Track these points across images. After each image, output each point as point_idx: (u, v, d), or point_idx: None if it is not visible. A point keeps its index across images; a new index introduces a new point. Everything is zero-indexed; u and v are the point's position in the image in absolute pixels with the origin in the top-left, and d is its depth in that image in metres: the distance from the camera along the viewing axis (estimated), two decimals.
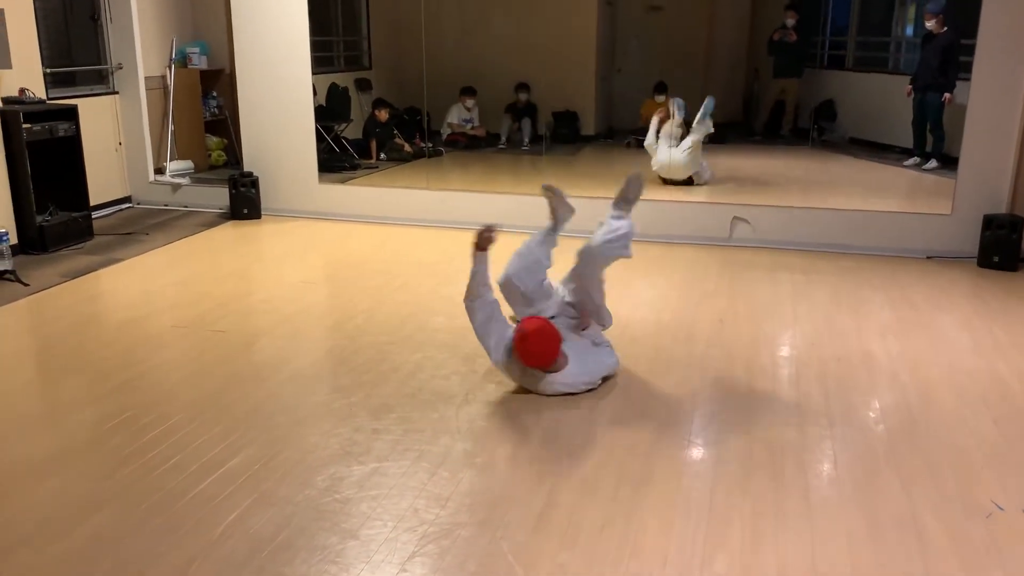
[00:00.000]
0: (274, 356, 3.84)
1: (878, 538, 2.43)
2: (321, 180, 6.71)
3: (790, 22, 9.52)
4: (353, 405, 3.28)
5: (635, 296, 4.67)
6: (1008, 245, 5.19)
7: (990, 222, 5.25)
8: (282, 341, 4.02)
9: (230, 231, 6.28)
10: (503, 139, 9.54)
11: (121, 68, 6.81)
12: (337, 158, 8.00)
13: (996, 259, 5.21)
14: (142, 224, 6.43)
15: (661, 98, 9.52)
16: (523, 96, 9.58)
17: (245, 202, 6.57)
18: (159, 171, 7.18)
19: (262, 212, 6.65)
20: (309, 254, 5.74)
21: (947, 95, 7.54)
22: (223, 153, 7.88)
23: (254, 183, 6.58)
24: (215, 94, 7.89)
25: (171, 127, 7.35)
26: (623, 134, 9.87)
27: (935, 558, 2.34)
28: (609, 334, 3.74)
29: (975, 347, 3.95)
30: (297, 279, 5.06)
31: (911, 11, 9.34)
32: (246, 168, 6.71)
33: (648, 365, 3.69)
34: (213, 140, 7.87)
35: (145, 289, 4.88)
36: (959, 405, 3.33)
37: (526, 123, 9.51)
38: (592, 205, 6.19)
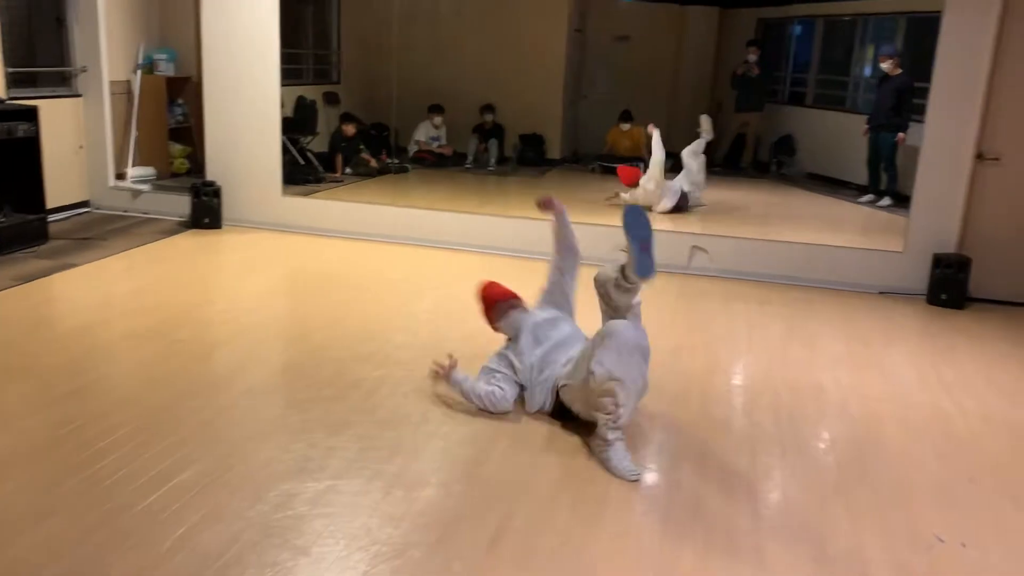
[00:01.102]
0: (231, 368, 3.80)
1: (825, 568, 2.48)
2: (285, 192, 6.67)
3: (752, 58, 9.75)
4: (310, 420, 3.26)
5: (595, 322, 4.71)
6: (955, 284, 5.35)
7: (939, 261, 5.41)
8: (240, 353, 3.98)
9: (190, 240, 6.22)
10: (469, 159, 9.60)
11: (86, 71, 6.73)
12: (302, 171, 7.97)
13: (944, 297, 5.37)
14: (100, 229, 6.33)
15: (626, 126, 9.68)
16: (489, 117, 9.65)
17: (206, 211, 6.50)
18: (120, 176, 7.09)
19: (223, 222, 6.59)
20: (270, 266, 5.70)
21: (900, 135, 7.77)
22: (186, 161, 7.80)
23: (216, 192, 6.53)
24: (181, 101, 7.82)
25: (134, 133, 7.27)
26: (589, 159, 10.00)
27: None
28: None
29: (922, 383, 4.06)
30: (256, 291, 5.02)
31: (869, 52, 9.62)
32: (209, 177, 6.65)
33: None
34: (177, 147, 7.79)
35: (100, 296, 4.81)
36: (905, 439, 3.42)
37: (493, 144, 9.58)
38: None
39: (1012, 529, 2.76)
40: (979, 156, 5.38)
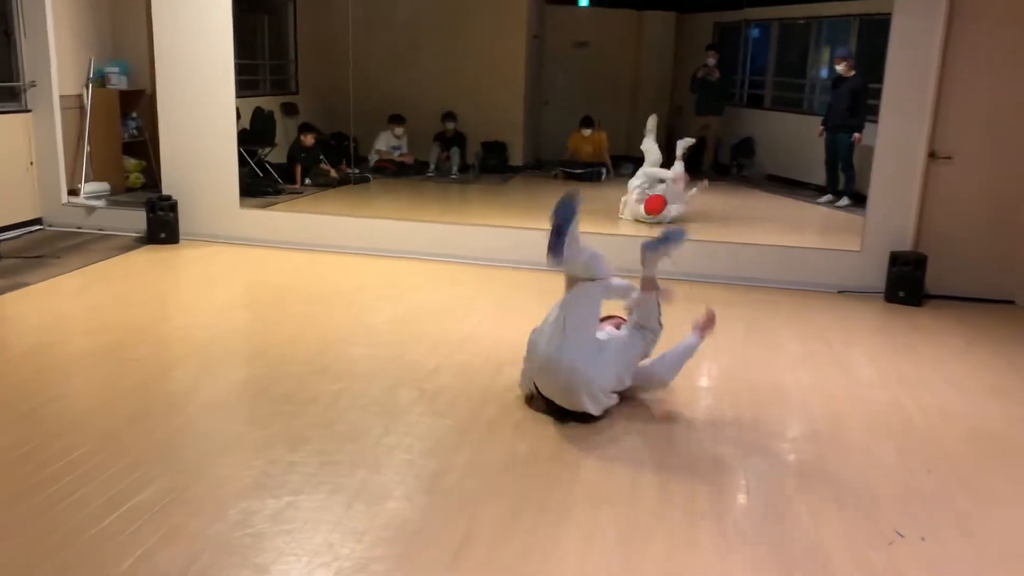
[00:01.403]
0: (189, 385, 3.74)
1: (787, 567, 2.49)
2: (243, 205, 6.60)
3: (711, 61, 9.83)
4: (269, 436, 3.22)
5: None
6: (912, 281, 5.43)
7: (896, 259, 5.49)
8: (197, 370, 3.92)
9: (147, 256, 6.12)
10: (431, 167, 9.57)
11: (35, 86, 6.60)
12: (260, 183, 7.89)
13: (902, 294, 5.45)
14: (53, 247, 6.21)
15: (588, 131, 9.71)
16: (451, 125, 9.64)
17: (163, 226, 6.41)
18: (73, 192, 6.96)
19: (180, 236, 6.50)
20: (229, 280, 5.63)
21: (856, 135, 7.89)
22: (141, 175, 7.69)
23: (173, 207, 6.43)
24: (135, 115, 7.71)
25: (87, 148, 7.14)
26: (551, 165, 10.01)
27: None
28: None
29: (881, 380, 4.11)
30: (214, 306, 4.95)
31: (824, 54, 9.76)
32: (165, 191, 6.55)
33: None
34: (131, 162, 7.67)
35: (54, 315, 4.71)
36: (865, 436, 3.45)
37: (455, 152, 9.55)
38: (521, 236, 6.27)
39: (969, 520, 2.80)
40: (931, 155, 5.48)
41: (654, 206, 7.30)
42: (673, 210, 7.30)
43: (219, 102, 6.38)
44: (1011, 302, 5.56)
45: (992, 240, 5.56)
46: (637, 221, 7.33)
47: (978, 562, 2.56)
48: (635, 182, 7.55)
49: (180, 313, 4.86)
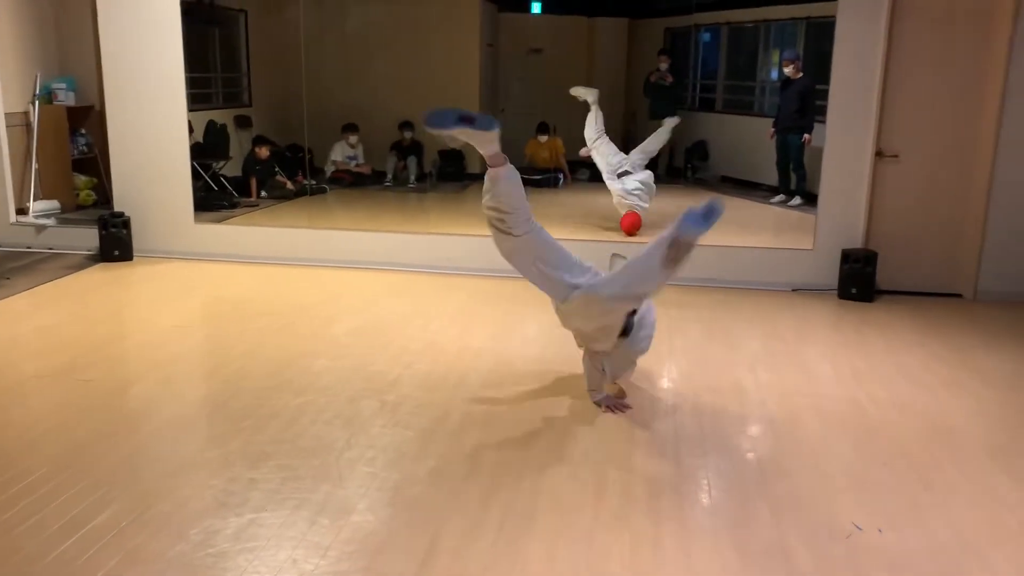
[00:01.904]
0: (146, 405, 3.69)
1: (749, 566, 2.53)
2: (198, 219, 6.52)
3: (663, 66, 9.95)
4: (229, 454, 3.18)
5: (521, 331, 4.73)
6: (864, 278, 5.55)
7: (847, 256, 5.60)
8: (155, 389, 3.86)
9: (100, 274, 6.01)
10: (388, 177, 9.54)
11: None
12: (215, 196, 7.80)
13: (854, 291, 5.56)
14: (2, 268, 6.07)
15: (544, 138, 9.77)
16: (408, 134, 9.62)
17: (116, 243, 6.30)
18: (21, 212, 6.82)
19: (134, 254, 6.40)
20: (185, 297, 5.56)
21: (806, 136, 8.04)
22: (92, 192, 7.56)
23: (125, 223, 6.33)
24: (84, 131, 7.58)
25: (35, 166, 7.00)
26: None
27: None
28: (503, 370, 3.77)
29: (836, 375, 4.19)
30: (171, 323, 4.88)
31: (774, 57, 9.93)
32: (117, 208, 6.45)
33: (532, 399, 3.74)
34: (82, 179, 7.54)
35: (5, 336, 4.61)
36: (822, 431, 3.52)
37: (411, 161, 9.54)
38: (481, 243, 6.28)
39: (926, 512, 2.86)
40: (879, 154, 5.61)
41: (632, 222, 7.07)
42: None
43: (170, 116, 6.30)
44: (959, 295, 5.71)
45: (939, 235, 5.70)
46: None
47: (934, 552, 2.62)
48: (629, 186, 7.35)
49: (136, 331, 4.79)
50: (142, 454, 3.20)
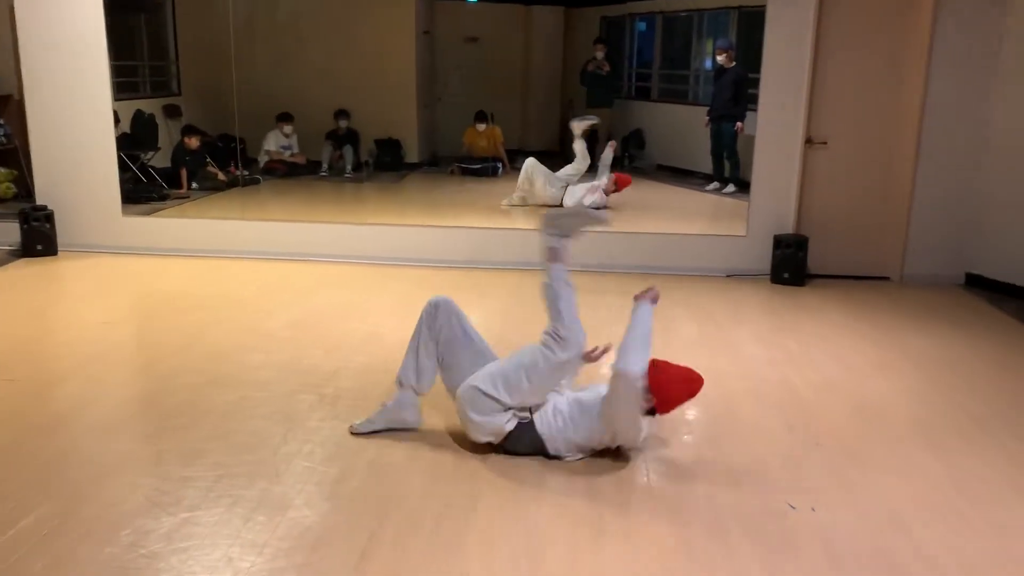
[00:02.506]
0: (73, 403, 3.56)
1: (689, 546, 2.56)
2: (125, 212, 6.33)
3: (599, 55, 9.99)
4: (161, 452, 3.10)
5: None
6: (795, 262, 5.67)
7: (779, 242, 5.72)
8: (83, 387, 3.74)
9: (22, 270, 5.79)
10: (324, 166, 9.40)
11: None
12: (143, 188, 7.59)
13: (786, 275, 5.68)
14: None
15: (482, 126, 9.73)
16: (343, 123, 9.49)
17: (39, 238, 6.08)
18: None
19: (59, 248, 6.18)
20: (114, 292, 5.39)
21: (739, 124, 8.16)
22: (12, 185, 7.27)
23: (48, 217, 6.11)
24: (2, 121, 7.28)
25: None
26: (447, 161, 9.99)
27: (738, 559, 2.50)
28: None
29: (769, 358, 4.27)
30: (99, 319, 4.73)
31: (708, 46, 10.05)
32: (39, 201, 6.21)
33: None
34: (1, 172, 7.25)
35: None
36: (757, 413, 3.59)
37: (347, 150, 9.41)
38: (419, 234, 6.24)
39: (856, 489, 2.94)
40: (808, 141, 5.73)
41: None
42: (588, 200, 7.38)
43: (95, 105, 6.09)
44: (887, 278, 5.88)
45: (866, 220, 5.86)
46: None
47: (865, 529, 2.70)
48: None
49: (62, 328, 4.63)
50: (70, 455, 3.09)
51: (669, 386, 2.97)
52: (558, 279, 3.08)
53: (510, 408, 3.04)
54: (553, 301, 3.07)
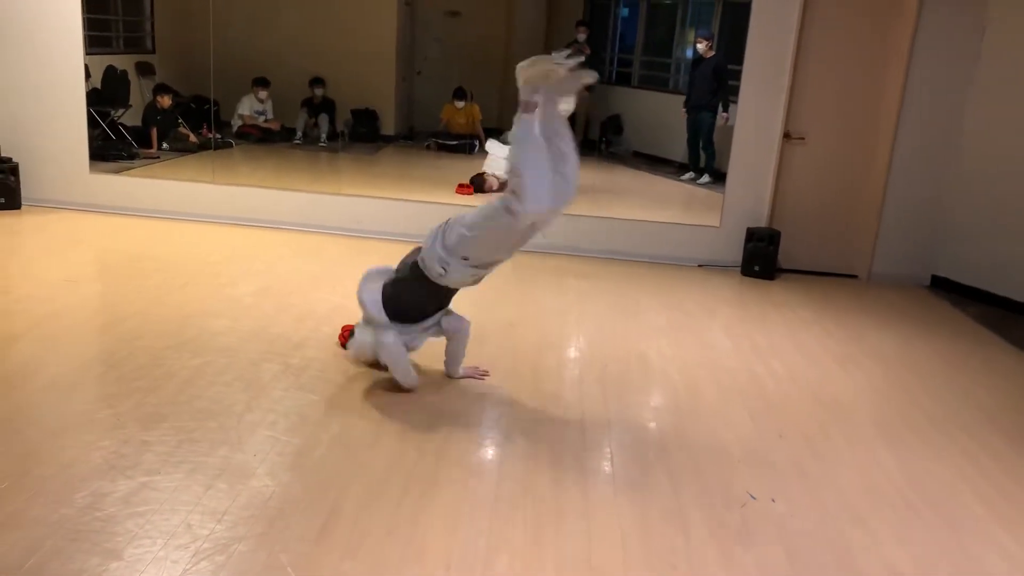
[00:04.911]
0: (28, 362, 3.49)
1: (648, 532, 2.58)
2: (93, 169, 6.20)
3: (581, 37, 9.93)
4: (121, 415, 3.05)
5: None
6: (766, 256, 5.71)
7: (752, 235, 5.75)
8: (39, 345, 3.66)
9: None
10: (298, 134, 9.27)
11: None
12: (113, 146, 7.42)
13: (757, 268, 5.72)
14: None
15: (461, 104, 9.65)
16: (319, 91, 9.36)
17: (2, 190, 5.93)
18: None
19: (22, 202, 6.04)
20: (77, 249, 5.28)
21: (724, 115, 8.16)
22: None
23: (13, 170, 5.97)
24: None
25: None
26: (424, 136, 9.90)
27: (696, 547, 2.52)
28: None
29: (736, 349, 4.31)
30: (60, 276, 4.63)
31: (691, 35, 10.04)
32: (4, 153, 6.06)
33: (440, 367, 3.71)
34: None
35: None
36: (721, 403, 3.62)
37: (323, 119, 9.29)
38: (392, 207, 6.17)
39: (815, 482, 2.98)
40: (787, 135, 5.76)
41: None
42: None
43: (66, 59, 5.94)
44: (855, 276, 5.95)
45: (838, 218, 5.91)
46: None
47: (823, 520, 2.73)
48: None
49: (20, 284, 4.53)
50: (23, 414, 3.03)
51: None
52: (524, 134, 3.21)
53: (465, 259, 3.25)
54: (513, 157, 3.15)
